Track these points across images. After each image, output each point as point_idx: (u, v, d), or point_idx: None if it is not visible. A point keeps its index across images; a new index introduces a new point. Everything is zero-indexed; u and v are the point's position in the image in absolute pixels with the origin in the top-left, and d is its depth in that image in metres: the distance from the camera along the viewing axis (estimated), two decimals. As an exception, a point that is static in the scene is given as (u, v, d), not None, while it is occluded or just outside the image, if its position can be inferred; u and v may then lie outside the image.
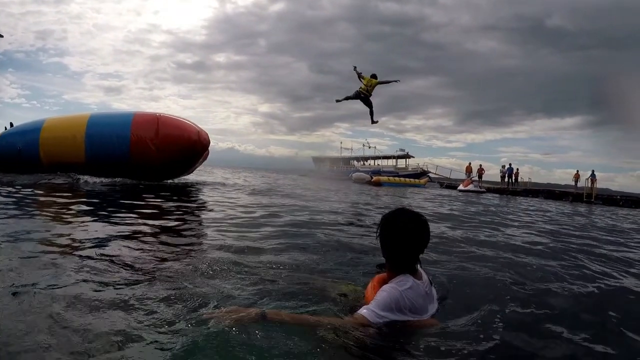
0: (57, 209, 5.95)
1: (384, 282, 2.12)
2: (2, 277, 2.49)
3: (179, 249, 3.67)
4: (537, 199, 25.33)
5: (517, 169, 32.52)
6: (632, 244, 5.91)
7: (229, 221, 5.40)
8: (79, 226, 4.41)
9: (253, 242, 4.05)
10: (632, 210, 18.91)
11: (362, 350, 1.78)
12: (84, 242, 3.67)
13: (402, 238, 2.06)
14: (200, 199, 8.94)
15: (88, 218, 5.04)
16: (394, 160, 45.24)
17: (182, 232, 4.52)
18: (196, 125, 12.75)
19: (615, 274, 3.57)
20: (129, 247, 3.65)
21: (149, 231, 4.40)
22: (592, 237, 6.38)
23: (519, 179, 32.98)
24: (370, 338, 1.85)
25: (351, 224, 5.87)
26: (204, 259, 3.25)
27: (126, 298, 2.32)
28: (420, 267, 2.20)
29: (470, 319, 2.22)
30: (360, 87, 13.56)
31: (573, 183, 30.30)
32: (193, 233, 4.58)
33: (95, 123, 11.99)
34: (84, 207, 6.14)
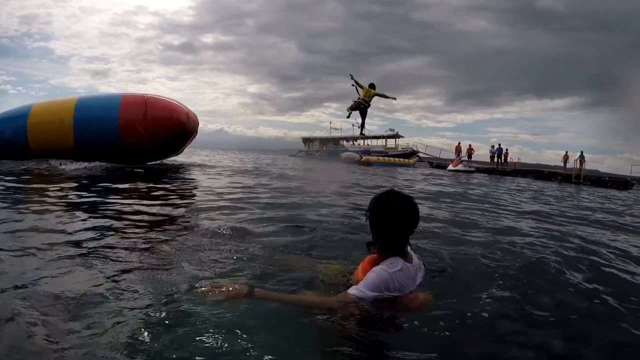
0: (40, 195, 5.89)
1: (374, 263, 2.15)
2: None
3: (165, 231, 3.66)
4: (526, 179, 25.58)
5: (507, 149, 32.97)
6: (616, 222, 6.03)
7: (216, 203, 5.37)
8: (63, 212, 4.34)
9: (240, 223, 4.05)
10: (620, 192, 19.19)
11: (350, 329, 1.82)
12: (67, 227, 3.63)
13: (392, 220, 2.09)
14: (187, 181, 8.86)
15: (71, 203, 4.99)
16: (384, 140, 45.21)
17: (168, 215, 4.51)
18: (185, 107, 12.57)
19: (607, 254, 3.64)
20: (114, 230, 3.64)
21: (135, 215, 4.37)
22: (578, 216, 6.49)
23: (509, 159, 33.35)
24: (358, 316, 1.89)
25: (340, 204, 5.88)
26: (190, 241, 3.26)
27: (113, 278, 2.35)
28: (410, 249, 2.24)
29: (460, 298, 2.26)
30: (359, 98, 13.57)
31: (562, 164, 30.62)
32: (179, 215, 4.55)
33: (82, 106, 11.70)
34: (67, 193, 6.04)
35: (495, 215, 5.82)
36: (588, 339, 1.95)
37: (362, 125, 15.04)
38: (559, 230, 4.72)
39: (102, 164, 11.03)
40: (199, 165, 14.00)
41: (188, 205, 5.22)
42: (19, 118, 11.83)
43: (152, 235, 3.51)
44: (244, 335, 1.69)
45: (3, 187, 6.08)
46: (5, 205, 4.71)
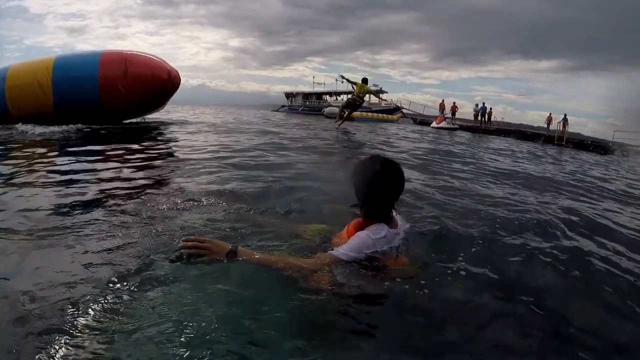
0: (12, 161, 5.67)
1: (359, 228, 2.15)
2: None
3: (142, 194, 3.60)
4: (509, 138, 25.91)
5: (491, 109, 33.23)
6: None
7: (194, 163, 5.26)
8: (35, 182, 4.16)
9: (220, 184, 3.99)
10: (601, 157, 19.58)
11: (332, 290, 1.85)
12: (39, 197, 3.49)
13: (377, 187, 2.08)
14: (165, 142, 8.56)
15: (44, 171, 4.76)
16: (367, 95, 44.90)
17: (146, 177, 4.40)
18: (166, 63, 12.26)
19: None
20: (91, 195, 3.56)
21: (111, 180, 4.25)
22: (552, 178, 6.59)
23: (492, 118, 33.59)
24: (340, 278, 1.92)
25: (323, 162, 5.84)
26: (168, 203, 3.22)
27: (90, 243, 2.35)
28: (396, 214, 2.24)
29: (440, 267, 2.27)
30: (353, 95, 13.71)
31: (545, 125, 30.97)
32: (157, 177, 4.44)
33: (61, 66, 11.19)
34: (39, 160, 5.72)
35: (474, 176, 5.86)
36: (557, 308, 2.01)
37: (347, 118, 15.01)
38: (538, 193, 4.78)
39: (75, 126, 10.56)
40: (179, 123, 13.73)
41: (166, 167, 5.08)
42: None
43: (129, 199, 3.44)
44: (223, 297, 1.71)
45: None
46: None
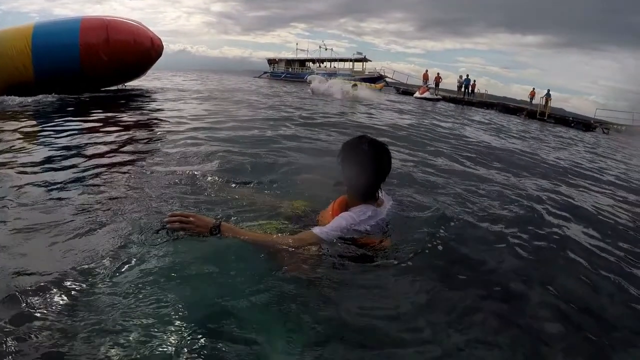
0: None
1: (345, 206, 2.19)
2: None
3: (122, 168, 3.55)
4: (491, 111, 26.14)
5: (474, 81, 33.34)
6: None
7: (175, 135, 5.18)
8: (19, 152, 4.06)
9: (203, 158, 3.94)
10: (583, 133, 19.93)
11: (313, 267, 1.90)
12: (24, 168, 3.43)
13: (364, 169, 2.08)
14: (146, 111, 8.28)
15: (26, 142, 4.58)
16: (351, 63, 44.48)
17: (126, 151, 4.31)
18: (148, 29, 12.00)
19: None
20: (74, 168, 3.50)
21: (94, 153, 4.13)
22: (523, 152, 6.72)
23: (476, 90, 33.70)
24: (322, 256, 1.96)
25: (306, 137, 5.80)
26: (153, 177, 3.20)
27: (73, 217, 2.36)
28: (382, 193, 2.26)
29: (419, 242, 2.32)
30: None
31: (528, 100, 31.22)
32: (136, 150, 4.34)
33: (40, 34, 10.66)
34: (19, 132, 5.39)
35: (454, 152, 5.93)
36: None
37: None
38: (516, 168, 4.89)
39: (52, 95, 10.14)
40: (160, 90, 13.41)
41: (146, 139, 4.96)
42: None
43: (109, 174, 3.35)
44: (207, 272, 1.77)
45: None
46: None
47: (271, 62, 53.06)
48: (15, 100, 9.27)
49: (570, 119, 26.62)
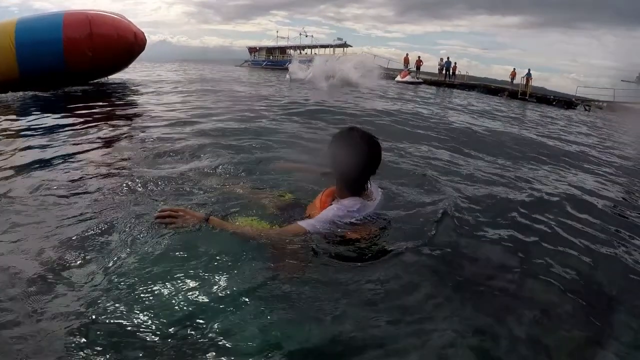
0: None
1: (333, 197, 2.22)
2: None
3: (104, 163, 3.55)
4: (473, 92, 26.32)
5: (455, 63, 33.55)
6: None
7: (156, 130, 5.12)
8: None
9: (188, 151, 3.93)
10: (564, 111, 20.19)
11: (300, 260, 1.92)
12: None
13: (354, 161, 2.08)
14: (126, 106, 8.09)
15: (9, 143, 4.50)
16: (332, 49, 44.36)
17: (108, 145, 4.29)
18: (131, 23, 11.99)
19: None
20: (59, 166, 3.45)
21: (77, 151, 4.04)
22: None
23: (457, 72, 33.88)
24: (309, 248, 1.98)
25: (288, 126, 5.75)
26: (137, 172, 3.20)
27: (69, 209, 2.43)
28: (371, 185, 2.27)
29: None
30: None
31: (509, 80, 31.50)
32: (117, 145, 4.32)
33: (24, 29, 10.46)
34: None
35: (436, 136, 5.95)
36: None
37: None
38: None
39: (32, 92, 9.85)
40: (140, 82, 13.29)
41: (125, 134, 4.90)
42: None
43: (94, 171, 3.32)
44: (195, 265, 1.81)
45: None
46: None
47: (252, 50, 53.02)
48: None
49: (552, 97, 26.96)
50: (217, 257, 1.87)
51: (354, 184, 2.17)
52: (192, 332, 1.47)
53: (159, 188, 2.79)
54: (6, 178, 3.10)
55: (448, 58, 34.06)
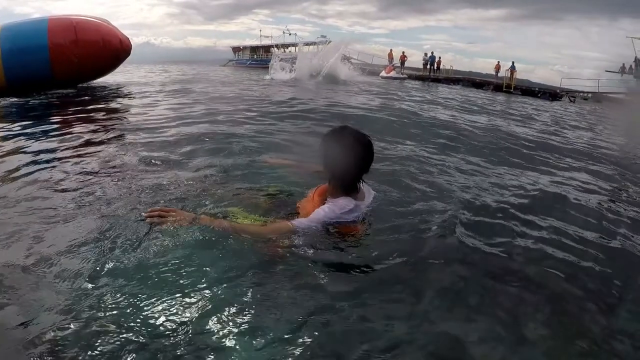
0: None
1: (325, 196, 2.21)
2: None
3: (87, 166, 3.52)
4: (457, 86, 26.51)
5: (440, 58, 33.85)
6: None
7: (139, 132, 5.06)
8: None
9: (176, 152, 3.93)
10: (550, 103, 20.40)
11: (292, 257, 1.94)
12: None
13: (346, 160, 2.07)
14: (110, 110, 8.05)
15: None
16: (316, 46, 44.39)
17: (93, 148, 4.23)
18: (116, 29, 11.91)
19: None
20: (47, 173, 3.37)
21: (64, 156, 3.97)
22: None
23: (441, 67, 34.09)
24: (299, 245, 2.00)
25: (274, 125, 5.72)
26: (123, 175, 3.19)
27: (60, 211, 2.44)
28: (364, 185, 2.26)
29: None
30: None
31: (494, 73, 31.78)
32: (103, 148, 4.25)
33: (8, 36, 10.30)
34: None
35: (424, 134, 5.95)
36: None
37: None
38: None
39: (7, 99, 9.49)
40: (124, 85, 13.10)
41: (111, 138, 4.78)
42: None
43: (79, 174, 3.31)
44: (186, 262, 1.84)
45: None
46: None
47: (236, 50, 53.12)
48: None
49: (537, 89, 27.28)
50: (208, 257, 1.88)
51: (346, 183, 2.16)
52: (182, 334, 1.47)
53: (146, 191, 2.78)
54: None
55: (432, 53, 34.35)
